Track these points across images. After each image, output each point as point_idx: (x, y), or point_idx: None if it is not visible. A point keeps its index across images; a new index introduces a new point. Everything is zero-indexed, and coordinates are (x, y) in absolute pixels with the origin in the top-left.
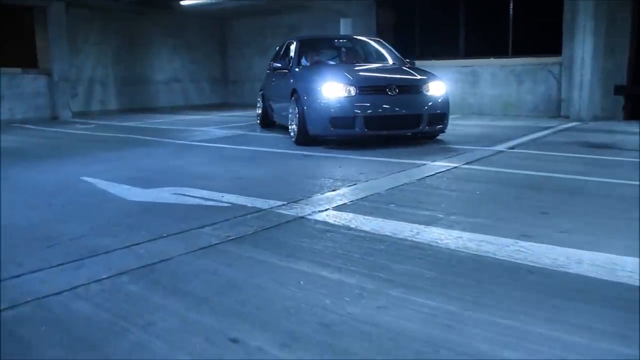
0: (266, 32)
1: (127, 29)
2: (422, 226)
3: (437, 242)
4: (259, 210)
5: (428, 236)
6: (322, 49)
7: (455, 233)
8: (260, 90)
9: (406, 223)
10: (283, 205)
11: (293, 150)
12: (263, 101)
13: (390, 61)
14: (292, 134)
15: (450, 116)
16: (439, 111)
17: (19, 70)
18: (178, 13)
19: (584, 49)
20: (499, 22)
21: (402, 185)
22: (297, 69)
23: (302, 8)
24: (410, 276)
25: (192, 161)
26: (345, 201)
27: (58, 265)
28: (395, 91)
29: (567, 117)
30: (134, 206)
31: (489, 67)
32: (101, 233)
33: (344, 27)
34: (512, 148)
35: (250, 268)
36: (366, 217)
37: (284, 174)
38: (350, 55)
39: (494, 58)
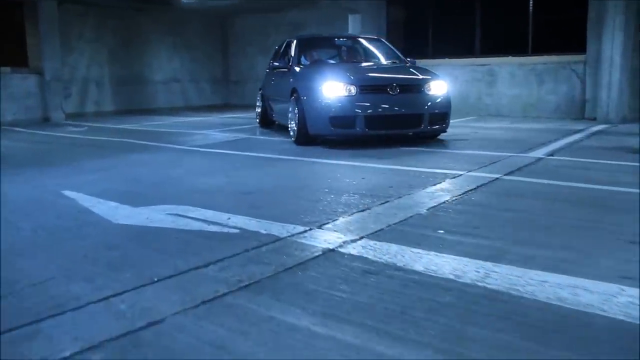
0: (269, 30)
1: (123, 26)
2: (489, 264)
3: (517, 290)
4: (276, 239)
5: (502, 280)
6: (322, 48)
7: (535, 275)
8: (260, 89)
9: (467, 259)
10: (305, 232)
11: (302, 157)
12: (262, 100)
13: (391, 60)
14: (291, 133)
15: (466, 118)
16: (440, 110)
17: (7, 69)
18: (178, 10)
19: (613, 47)
20: (517, 19)
21: (444, 203)
22: (297, 68)
23: (308, 5)
24: (500, 349)
25: (191, 170)
26: (382, 226)
27: None
28: (397, 90)
29: (592, 119)
30: (120, 232)
31: (507, 66)
32: (73, 274)
33: (353, 24)
34: (551, 155)
35: (275, 339)
36: (414, 249)
37: (298, 186)
38: (350, 54)
39: (513, 56)
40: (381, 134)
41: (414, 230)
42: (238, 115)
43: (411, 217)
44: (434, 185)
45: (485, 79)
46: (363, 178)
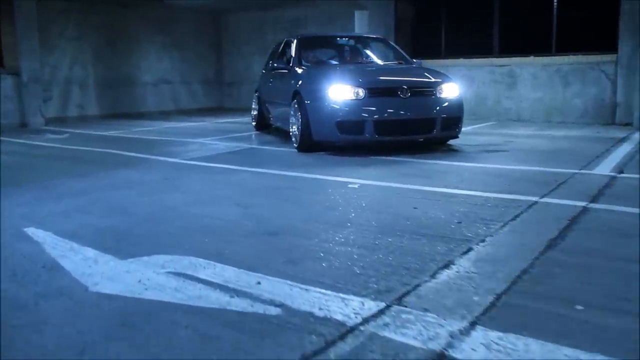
0: (267, 28)
1: (109, 24)
2: None
3: None
4: (343, 328)
5: None
6: (325, 48)
7: None
8: (256, 91)
9: None
10: (382, 312)
11: (318, 173)
12: (259, 103)
13: (397, 61)
14: (293, 139)
15: (485, 123)
16: (453, 115)
17: None
18: (168, 6)
19: None
20: (539, 15)
21: (548, 250)
22: (298, 70)
23: (308, 2)
24: None
25: (192, 195)
26: (489, 297)
27: None
28: (407, 93)
29: (626, 125)
30: (97, 314)
31: (529, 67)
32: None
33: (360, 21)
34: (621, 171)
35: None
36: (565, 349)
37: (335, 221)
38: (354, 55)
39: (535, 56)
40: (391, 140)
41: (539, 306)
42: (234, 119)
43: (519, 278)
44: (513, 219)
45: (505, 80)
46: (415, 208)
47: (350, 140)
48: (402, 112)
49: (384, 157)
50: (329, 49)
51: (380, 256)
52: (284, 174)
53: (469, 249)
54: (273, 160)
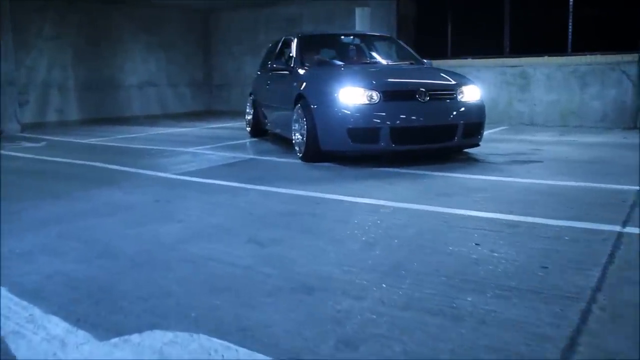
0: (259, 27)
1: (90, 22)
2: None
3: None
4: None
5: None
6: (327, 47)
7: None
8: (250, 94)
9: None
10: None
11: (336, 192)
12: (254, 107)
13: (409, 61)
14: (297, 148)
15: (497, 128)
16: (475, 120)
17: None
18: (154, 4)
19: None
20: (554, 12)
21: None
22: (301, 71)
23: None
24: None
25: (191, 224)
26: None
27: None
28: (426, 97)
29: None
30: None
31: (543, 67)
32: None
33: (361, 19)
34: None
35: None
36: None
37: (385, 268)
38: (360, 54)
39: (549, 56)
40: (409, 150)
41: None
42: (225, 124)
43: None
44: (610, 261)
45: (517, 82)
46: (477, 245)
47: (364, 150)
48: (421, 118)
49: (402, 170)
50: (333, 48)
51: (469, 330)
52: (297, 194)
53: (585, 315)
54: (278, 174)
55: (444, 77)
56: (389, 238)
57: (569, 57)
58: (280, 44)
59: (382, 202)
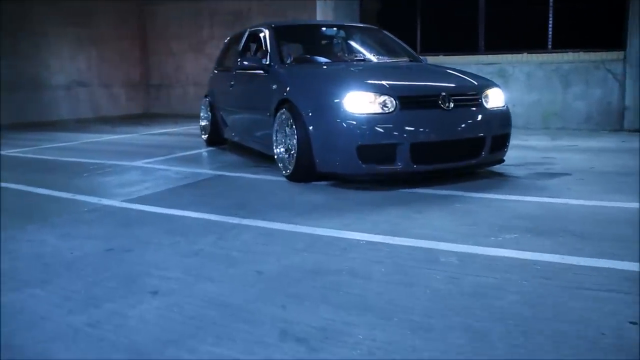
0: (203, 21)
1: (8, 14)
2: None
3: None
4: None
5: None
6: (308, 40)
7: None
8: (206, 96)
9: None
10: None
11: (377, 234)
12: (212, 112)
13: (406, 58)
14: (280, 165)
15: None
16: (503, 132)
17: None
18: None
19: None
20: (533, 6)
21: None
22: (282, 70)
23: None
24: None
25: (172, 296)
26: None
27: None
28: (450, 104)
29: (637, 131)
30: None
31: (522, 65)
32: None
33: (323, 12)
34: None
35: None
36: None
37: None
38: (348, 49)
39: (528, 53)
40: (432, 170)
41: None
42: (170, 130)
43: None
44: None
45: (495, 81)
46: (634, 324)
47: (378, 174)
48: (445, 131)
49: (420, 190)
50: (314, 42)
51: None
52: (308, 233)
53: None
54: (265, 199)
55: (464, 79)
56: (499, 319)
57: (551, 55)
58: (244, 38)
59: (431, 245)
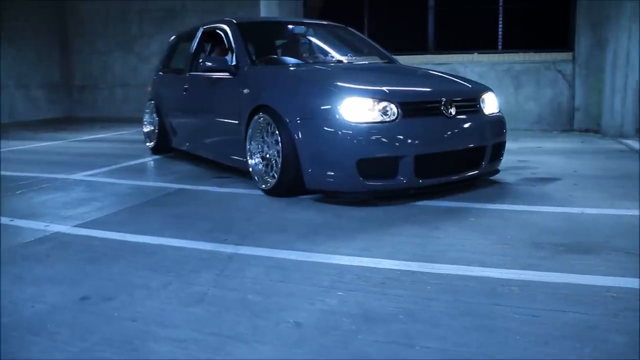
0: (131, 18)
1: None
2: None
3: None
4: None
5: None
6: (275, 39)
7: None
8: (151, 99)
9: None
10: None
11: (405, 261)
12: (158, 117)
13: (382, 59)
14: (256, 178)
15: None
16: (500, 140)
17: None
18: None
19: (629, 39)
20: (483, 5)
21: None
22: (254, 71)
23: None
24: None
25: None
26: None
27: None
28: (451, 111)
29: (586, 131)
30: None
31: (474, 66)
32: None
33: (267, 9)
34: None
35: None
36: None
37: None
38: (320, 50)
39: (479, 54)
40: (435, 184)
41: None
42: (102, 135)
43: None
44: None
45: None
46: None
47: (379, 189)
48: (449, 140)
49: (423, 203)
50: (282, 41)
51: None
52: (329, 263)
53: None
54: (251, 220)
55: (459, 82)
56: None
57: (502, 55)
58: (198, 36)
59: (477, 272)
